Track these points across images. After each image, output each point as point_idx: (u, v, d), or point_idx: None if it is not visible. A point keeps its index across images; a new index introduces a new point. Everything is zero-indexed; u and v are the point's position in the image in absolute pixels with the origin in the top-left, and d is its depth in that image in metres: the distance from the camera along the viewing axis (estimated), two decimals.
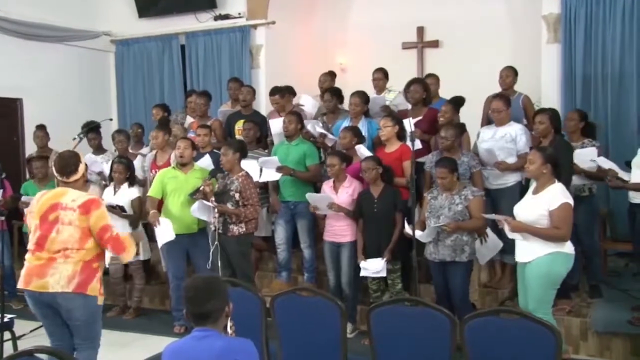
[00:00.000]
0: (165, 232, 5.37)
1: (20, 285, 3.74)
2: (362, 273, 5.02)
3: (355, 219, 5.14)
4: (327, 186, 5.33)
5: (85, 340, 3.79)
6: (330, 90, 6.33)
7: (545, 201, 4.02)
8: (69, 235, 3.65)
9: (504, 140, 5.20)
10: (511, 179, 5.23)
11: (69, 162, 3.75)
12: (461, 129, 5.21)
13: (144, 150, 6.79)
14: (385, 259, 4.92)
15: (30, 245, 3.74)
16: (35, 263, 3.69)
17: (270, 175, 5.66)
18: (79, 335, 3.77)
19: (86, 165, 5.59)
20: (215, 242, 5.27)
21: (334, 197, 5.21)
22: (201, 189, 5.30)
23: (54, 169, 3.81)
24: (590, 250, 5.27)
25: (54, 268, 3.64)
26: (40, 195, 3.81)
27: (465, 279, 4.67)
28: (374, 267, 4.94)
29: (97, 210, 3.71)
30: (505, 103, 5.29)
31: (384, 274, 4.97)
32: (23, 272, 3.74)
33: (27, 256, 3.75)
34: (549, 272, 4.03)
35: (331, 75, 6.94)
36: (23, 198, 6.20)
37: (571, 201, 4.05)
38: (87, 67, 8.93)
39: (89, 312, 3.72)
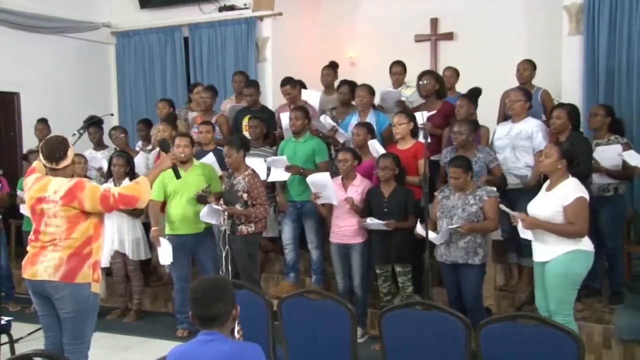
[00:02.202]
0: (164, 254, 5.43)
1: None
2: (367, 220, 4.94)
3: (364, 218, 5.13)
4: (335, 184, 5.30)
5: (74, 340, 3.78)
6: (347, 82, 6.32)
7: (559, 197, 4.03)
8: (55, 227, 3.70)
9: (519, 138, 5.17)
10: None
11: (57, 148, 3.71)
12: (475, 125, 5.19)
13: (149, 147, 6.79)
14: (386, 222, 4.88)
15: (31, 235, 3.83)
16: (31, 252, 3.80)
17: (279, 175, 5.65)
18: (68, 332, 3.77)
19: (85, 158, 5.61)
20: (227, 247, 5.27)
21: (343, 195, 5.20)
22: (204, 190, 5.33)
23: (40, 156, 3.75)
24: (615, 254, 5.22)
25: (43, 256, 3.71)
26: (32, 183, 3.79)
27: (479, 282, 4.64)
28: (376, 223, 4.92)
29: (83, 191, 3.68)
30: (524, 94, 5.25)
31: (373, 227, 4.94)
32: (23, 262, 3.85)
33: (28, 247, 3.86)
34: (568, 272, 4.03)
35: (333, 67, 6.92)
36: (18, 193, 6.24)
37: (586, 195, 4.05)
38: (86, 60, 8.96)
39: (79, 302, 3.72)
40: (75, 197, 3.66)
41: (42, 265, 3.70)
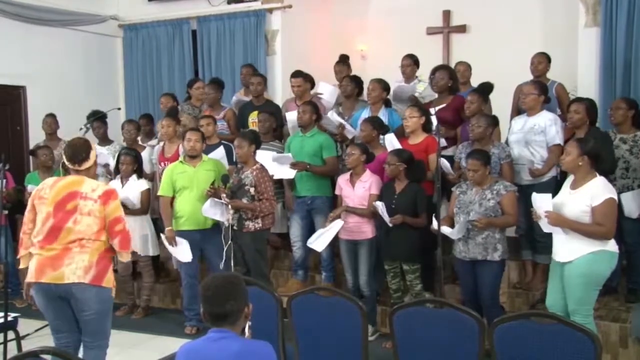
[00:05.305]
0: (182, 252, 5.45)
1: (30, 279, 3.79)
2: (378, 202, 4.92)
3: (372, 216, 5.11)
4: (343, 180, 5.31)
5: (95, 337, 3.85)
6: (349, 76, 6.31)
7: (586, 197, 3.97)
8: (87, 225, 3.74)
9: (533, 132, 5.12)
10: (546, 174, 5.16)
11: (80, 150, 3.84)
12: (494, 120, 5.16)
13: (153, 141, 6.82)
14: (393, 218, 4.85)
15: (38, 237, 3.77)
16: (47, 255, 3.74)
17: (285, 172, 5.64)
18: (89, 331, 3.83)
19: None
20: (229, 241, 5.27)
21: (349, 192, 5.20)
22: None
23: (64, 157, 3.88)
24: (634, 250, 5.17)
25: (70, 258, 3.71)
26: (54, 182, 3.85)
27: (497, 279, 4.63)
28: (382, 210, 4.88)
29: (114, 200, 3.85)
30: (537, 88, 5.21)
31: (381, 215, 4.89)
32: (33, 265, 3.79)
33: (36, 250, 3.78)
34: (592, 272, 3.99)
35: (344, 61, 6.88)
36: (28, 188, 6.25)
37: (615, 196, 4.00)
38: (93, 53, 8.96)
39: (102, 303, 3.81)
40: (108, 201, 3.80)
41: (70, 267, 3.70)
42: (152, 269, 6.21)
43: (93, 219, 3.75)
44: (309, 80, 6.51)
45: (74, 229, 3.73)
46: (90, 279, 3.72)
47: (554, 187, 4.88)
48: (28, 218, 3.90)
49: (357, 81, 6.17)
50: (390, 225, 4.88)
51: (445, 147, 5.28)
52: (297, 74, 6.40)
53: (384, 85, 5.84)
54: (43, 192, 3.83)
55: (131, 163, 5.92)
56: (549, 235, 4.23)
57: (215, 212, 5.33)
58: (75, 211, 3.74)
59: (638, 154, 5.11)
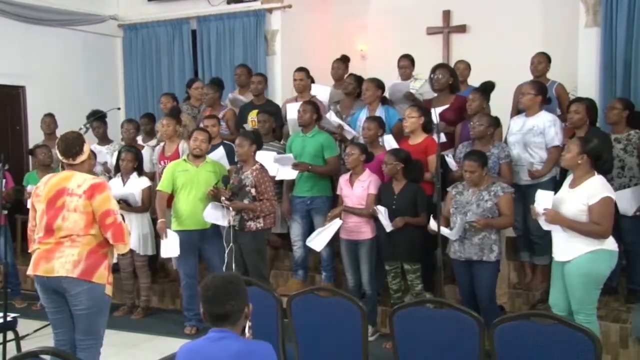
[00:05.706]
0: (170, 246, 5.42)
1: (29, 272, 3.83)
2: (378, 206, 4.93)
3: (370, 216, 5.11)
4: (343, 179, 5.31)
5: (87, 335, 3.82)
6: (352, 75, 6.32)
7: (584, 195, 3.97)
8: (74, 222, 3.73)
9: (532, 134, 5.12)
10: (545, 175, 5.15)
11: (73, 143, 3.79)
12: (496, 121, 5.15)
13: (152, 142, 6.82)
14: (393, 222, 4.86)
15: (39, 233, 3.80)
16: (43, 248, 3.78)
17: (287, 173, 5.64)
18: (81, 328, 3.81)
19: (94, 154, 5.63)
20: (231, 244, 5.27)
21: (348, 192, 5.20)
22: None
23: (57, 151, 3.85)
24: (634, 250, 5.17)
25: (60, 252, 3.72)
26: (48, 179, 3.86)
27: (493, 279, 4.64)
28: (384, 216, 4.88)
29: (101, 194, 3.77)
30: (535, 87, 5.21)
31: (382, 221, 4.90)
32: (32, 259, 3.83)
33: (36, 246, 3.82)
34: (591, 271, 3.99)
35: (344, 60, 6.90)
36: (28, 188, 6.26)
37: (613, 195, 4.00)
38: (93, 53, 8.97)
39: (94, 299, 3.77)
40: (94, 195, 3.75)
41: (60, 261, 3.71)
42: (148, 270, 6.19)
43: (79, 215, 3.73)
44: (310, 79, 6.52)
45: (63, 226, 3.73)
46: (78, 273, 3.70)
47: (553, 187, 4.88)
48: (31, 216, 3.92)
49: (360, 81, 6.17)
50: (388, 230, 4.87)
51: (444, 146, 5.26)
52: (301, 69, 6.48)
53: (377, 84, 5.85)
54: (39, 190, 3.85)
55: (132, 160, 5.94)
56: (545, 236, 4.24)
57: (217, 215, 5.32)
58: (63, 208, 3.74)
59: (632, 152, 5.13)
